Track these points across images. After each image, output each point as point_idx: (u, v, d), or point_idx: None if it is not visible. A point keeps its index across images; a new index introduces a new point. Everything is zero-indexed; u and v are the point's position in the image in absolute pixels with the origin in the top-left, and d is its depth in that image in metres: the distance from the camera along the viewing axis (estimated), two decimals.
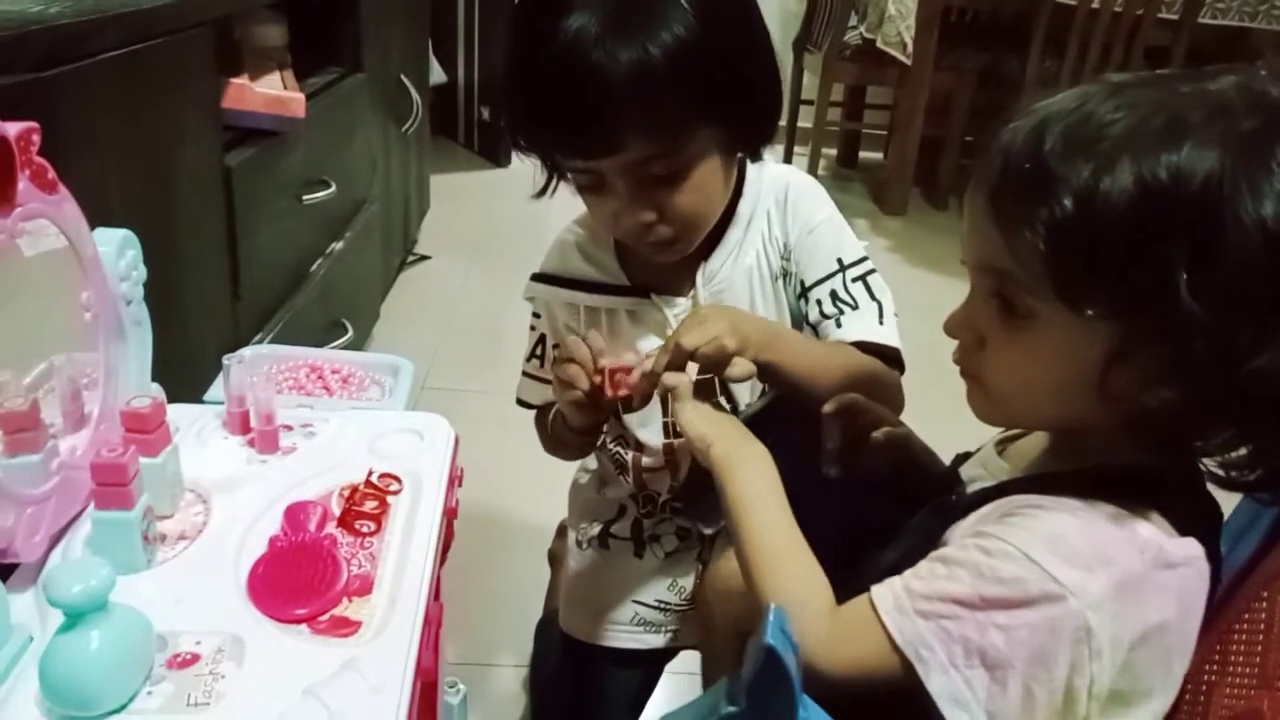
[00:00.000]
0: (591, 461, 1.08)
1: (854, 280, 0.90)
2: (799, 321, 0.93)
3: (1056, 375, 0.62)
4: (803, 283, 0.91)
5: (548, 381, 1.00)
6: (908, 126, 3.44)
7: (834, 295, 0.90)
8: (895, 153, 3.56)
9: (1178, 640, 0.62)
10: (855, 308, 0.89)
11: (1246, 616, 0.70)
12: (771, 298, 0.93)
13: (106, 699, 0.53)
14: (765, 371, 0.80)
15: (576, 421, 0.87)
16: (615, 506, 1.04)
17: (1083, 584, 0.57)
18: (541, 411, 1.03)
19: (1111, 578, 0.57)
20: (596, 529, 1.06)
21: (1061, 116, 0.58)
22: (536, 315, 1.02)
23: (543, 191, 0.89)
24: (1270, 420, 0.58)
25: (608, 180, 0.81)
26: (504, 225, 2.98)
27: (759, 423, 0.83)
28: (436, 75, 3.17)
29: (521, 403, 1.05)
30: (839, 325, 0.89)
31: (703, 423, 0.74)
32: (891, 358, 0.88)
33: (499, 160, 3.70)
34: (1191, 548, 0.60)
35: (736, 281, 0.92)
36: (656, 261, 0.89)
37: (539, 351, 1.03)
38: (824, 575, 0.68)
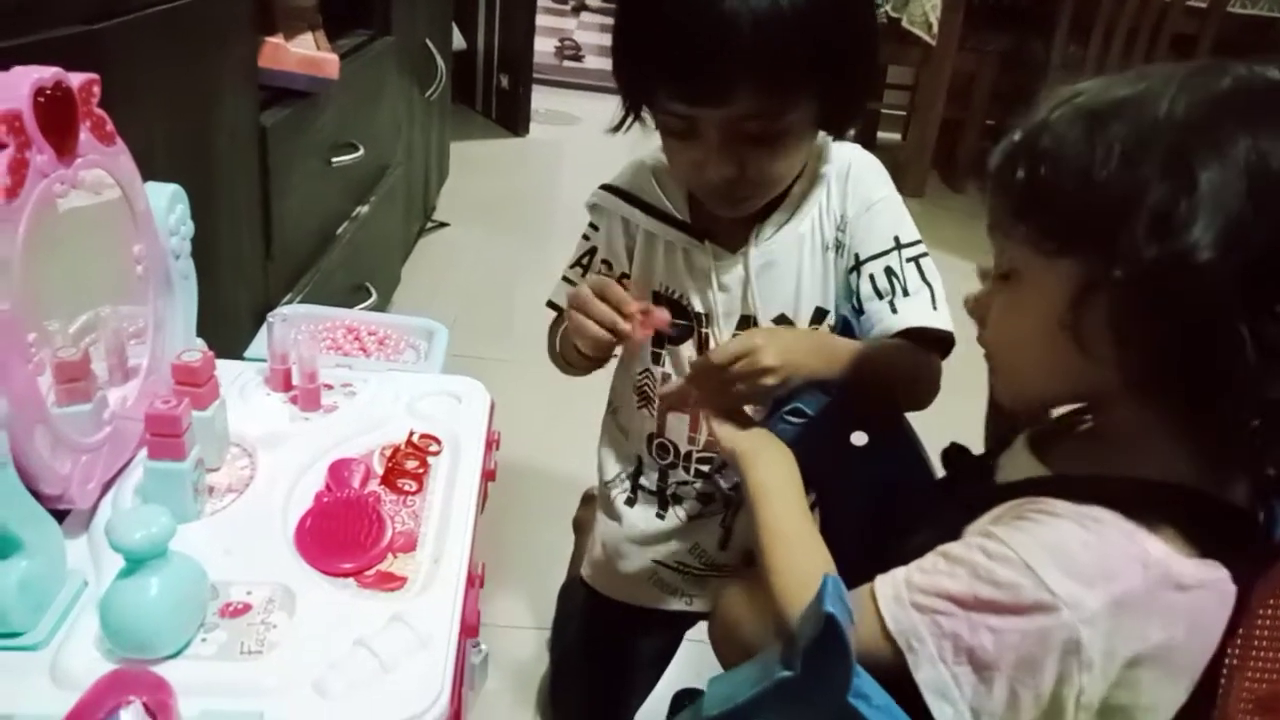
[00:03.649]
0: (618, 400, 1.08)
1: (908, 260, 0.91)
2: (847, 295, 0.94)
3: (1032, 323, 0.62)
4: (857, 256, 0.93)
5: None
6: (928, 107, 3.42)
7: (889, 271, 0.91)
8: (914, 134, 3.54)
9: (1185, 660, 0.60)
10: (907, 293, 0.91)
11: (1271, 602, 0.71)
12: (820, 266, 0.94)
13: (165, 643, 0.55)
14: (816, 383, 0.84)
15: (590, 350, 0.92)
16: (634, 459, 1.05)
17: (1078, 597, 0.56)
18: (561, 319, 1.03)
19: (1110, 593, 0.56)
20: (627, 482, 1.07)
21: (1117, 108, 0.57)
22: (594, 227, 1.02)
23: (618, 128, 0.91)
24: None
25: (700, 130, 0.83)
26: (521, 194, 2.97)
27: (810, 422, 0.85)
28: (456, 42, 3.15)
29: (552, 305, 1.05)
30: (894, 311, 0.90)
31: (730, 427, 0.81)
32: (945, 340, 0.90)
33: (517, 129, 3.69)
34: (1210, 570, 0.59)
35: (788, 246, 0.93)
36: (719, 213, 0.91)
37: (585, 262, 1.03)
38: (831, 560, 0.70)
